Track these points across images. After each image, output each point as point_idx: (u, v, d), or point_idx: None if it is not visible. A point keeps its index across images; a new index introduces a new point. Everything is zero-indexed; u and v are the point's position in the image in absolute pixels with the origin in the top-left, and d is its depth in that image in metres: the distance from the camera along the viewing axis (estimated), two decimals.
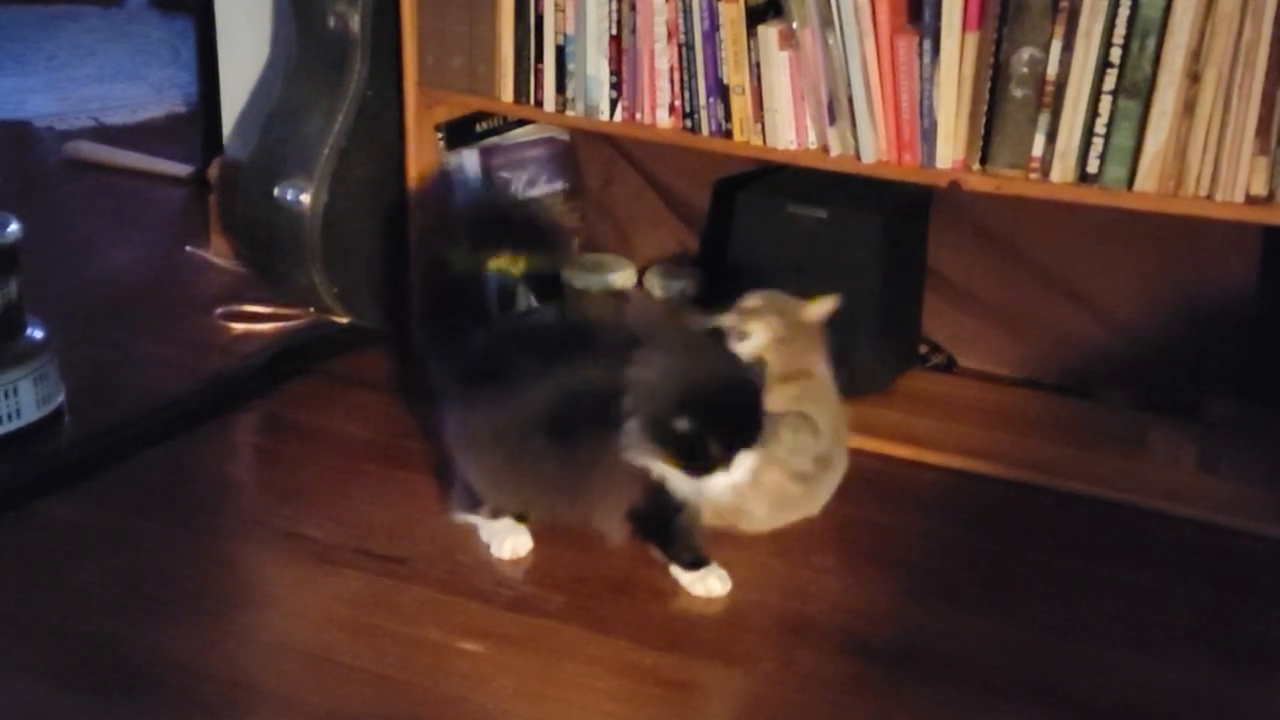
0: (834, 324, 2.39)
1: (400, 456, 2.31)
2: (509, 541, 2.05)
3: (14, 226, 2.29)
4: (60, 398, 2.37)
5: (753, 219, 2.44)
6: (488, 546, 2.05)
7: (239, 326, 2.68)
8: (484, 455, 2.00)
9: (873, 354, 2.41)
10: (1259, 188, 2.01)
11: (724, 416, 1.84)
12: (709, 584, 1.97)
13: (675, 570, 1.98)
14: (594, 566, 1.99)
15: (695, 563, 1.98)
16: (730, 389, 1.86)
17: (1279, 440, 2.22)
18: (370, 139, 2.54)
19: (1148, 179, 2.05)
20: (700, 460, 1.84)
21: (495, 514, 2.05)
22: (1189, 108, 2.01)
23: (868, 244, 2.36)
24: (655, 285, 2.59)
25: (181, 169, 3.41)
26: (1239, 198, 2.02)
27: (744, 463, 1.85)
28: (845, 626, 1.91)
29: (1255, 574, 2.03)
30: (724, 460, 1.84)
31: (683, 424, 1.82)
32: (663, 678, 1.82)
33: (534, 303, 2.47)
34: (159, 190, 3.40)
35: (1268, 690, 1.83)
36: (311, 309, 2.66)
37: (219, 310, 2.72)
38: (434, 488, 2.21)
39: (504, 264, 2.53)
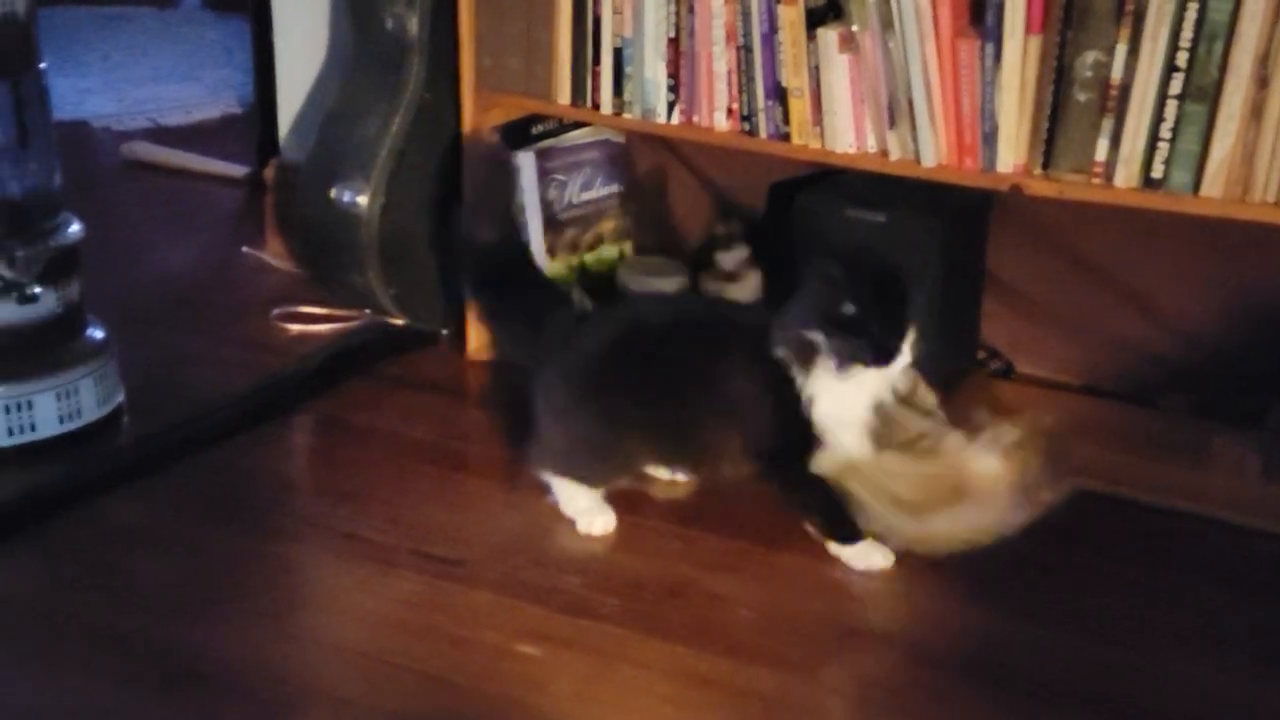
0: None
1: (456, 458, 2.31)
2: (599, 519, 2.07)
3: (75, 227, 2.31)
4: (120, 397, 2.38)
5: (812, 222, 2.43)
6: (573, 523, 2.08)
7: (295, 327, 2.69)
8: (582, 413, 2.04)
9: (931, 358, 2.39)
10: None
11: (887, 304, 1.89)
12: (871, 559, 1.98)
13: (832, 546, 2.00)
14: (650, 571, 1.98)
15: (850, 535, 1.98)
16: (889, 281, 1.92)
17: None
18: (427, 141, 2.55)
19: (1214, 185, 2.03)
20: (867, 341, 1.88)
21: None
22: (1256, 112, 1.99)
23: (926, 248, 2.35)
24: (710, 289, 2.58)
25: (237, 170, 3.42)
26: None
27: (901, 361, 1.90)
28: (904, 633, 1.90)
29: None
30: (889, 346, 1.89)
31: (849, 308, 1.88)
32: (720, 683, 1.81)
33: (588, 305, 2.47)
34: (215, 191, 3.42)
35: None
36: (367, 310, 2.66)
37: (275, 311, 2.73)
38: (490, 489, 2.21)
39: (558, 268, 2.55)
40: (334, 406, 2.45)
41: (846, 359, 1.90)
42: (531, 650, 1.85)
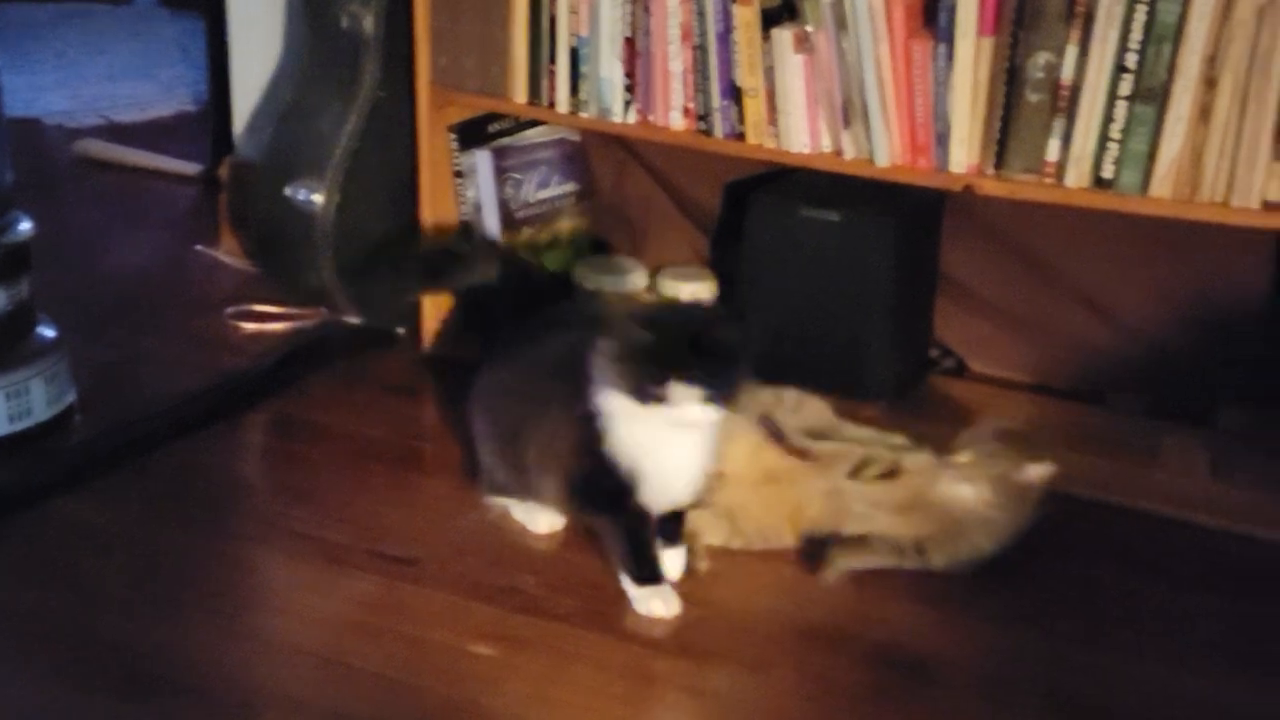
0: (845, 327, 2.40)
1: (413, 458, 2.31)
2: (540, 518, 2.06)
3: (25, 225, 2.29)
4: (71, 397, 2.36)
5: (766, 222, 2.44)
6: (522, 526, 2.07)
7: (250, 326, 2.68)
8: (482, 427, 2.05)
9: (884, 358, 2.41)
10: (1275, 193, 2.00)
11: (676, 343, 1.78)
12: (651, 605, 1.90)
13: (623, 581, 1.93)
14: (607, 570, 1.98)
15: (642, 576, 1.91)
16: (697, 323, 1.82)
17: None
18: (383, 139, 2.54)
19: (1163, 184, 2.05)
20: (644, 380, 1.79)
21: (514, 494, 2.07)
22: (1205, 113, 2.01)
23: (880, 247, 2.36)
24: (668, 288, 2.58)
25: (191, 168, 3.41)
26: (1255, 204, 2.01)
27: (687, 399, 1.78)
28: (861, 634, 1.90)
29: (1270, 582, 2.02)
30: (660, 384, 1.77)
31: (637, 334, 1.79)
32: (676, 683, 1.81)
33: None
34: (169, 189, 3.40)
35: None
36: (323, 309, 2.65)
37: (229, 310, 2.71)
38: (447, 489, 2.21)
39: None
40: (289, 405, 2.44)
41: (634, 395, 1.81)
42: (487, 650, 1.85)
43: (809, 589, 1.99)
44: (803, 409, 2.10)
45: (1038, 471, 1.96)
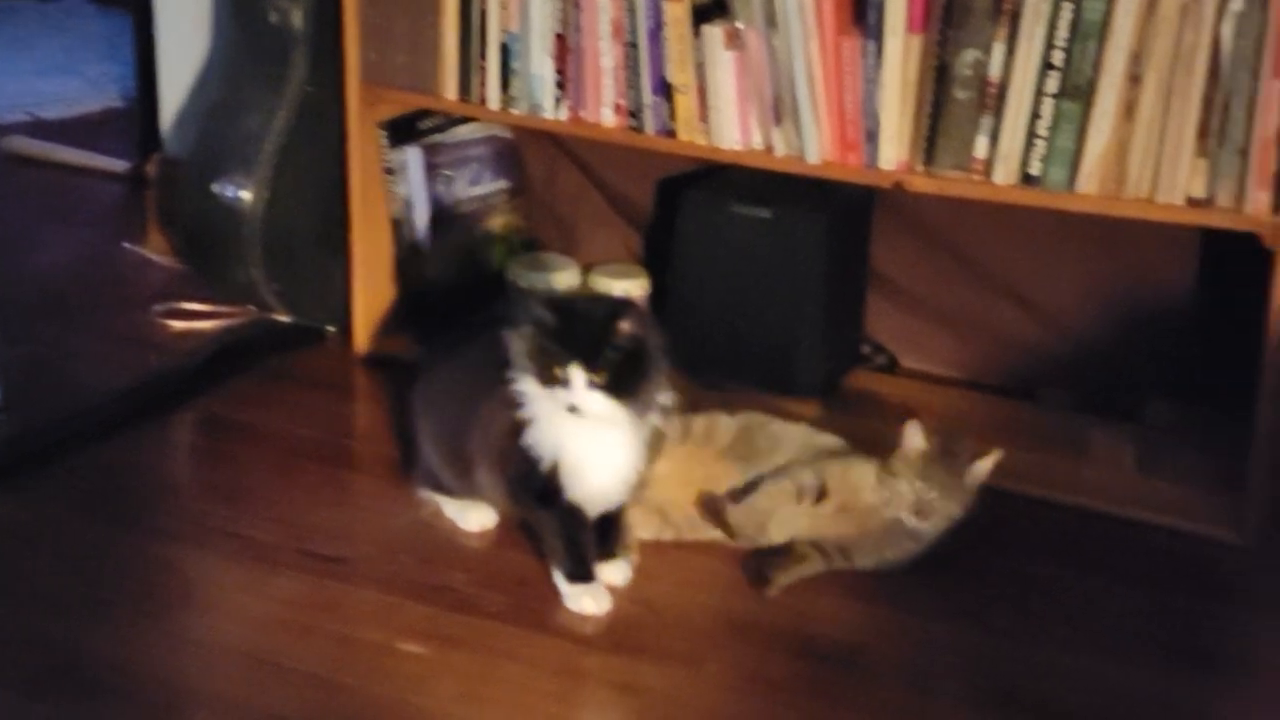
0: (776, 324, 2.41)
1: (342, 456, 2.29)
2: (471, 516, 2.06)
3: None
4: None
5: (697, 219, 2.44)
6: (453, 524, 2.07)
7: (178, 324, 2.65)
8: (423, 424, 2.05)
9: (815, 354, 2.42)
10: (1199, 190, 2.03)
11: (580, 328, 1.80)
12: (582, 602, 1.90)
13: (556, 577, 1.92)
14: (537, 567, 1.98)
15: (574, 574, 1.91)
16: (605, 312, 1.82)
17: (1218, 442, 2.24)
18: (312, 136, 2.52)
19: (1089, 181, 2.07)
20: (545, 360, 1.80)
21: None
22: (1130, 110, 2.03)
23: (811, 244, 2.37)
24: (601, 285, 2.58)
25: (119, 164, 3.36)
26: (1179, 200, 2.03)
27: (578, 382, 1.79)
28: (791, 628, 1.91)
29: (1197, 575, 2.05)
30: (561, 366, 1.79)
31: (545, 316, 1.80)
32: (606, 679, 1.81)
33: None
34: (96, 186, 3.35)
35: (1210, 691, 1.84)
36: (251, 307, 2.63)
37: (157, 307, 2.68)
38: (377, 488, 2.20)
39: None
40: (218, 404, 2.41)
41: (538, 376, 1.82)
42: (417, 649, 1.84)
43: (741, 584, 1.99)
44: (714, 434, 2.09)
45: (984, 466, 1.97)
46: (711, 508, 2.03)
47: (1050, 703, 1.79)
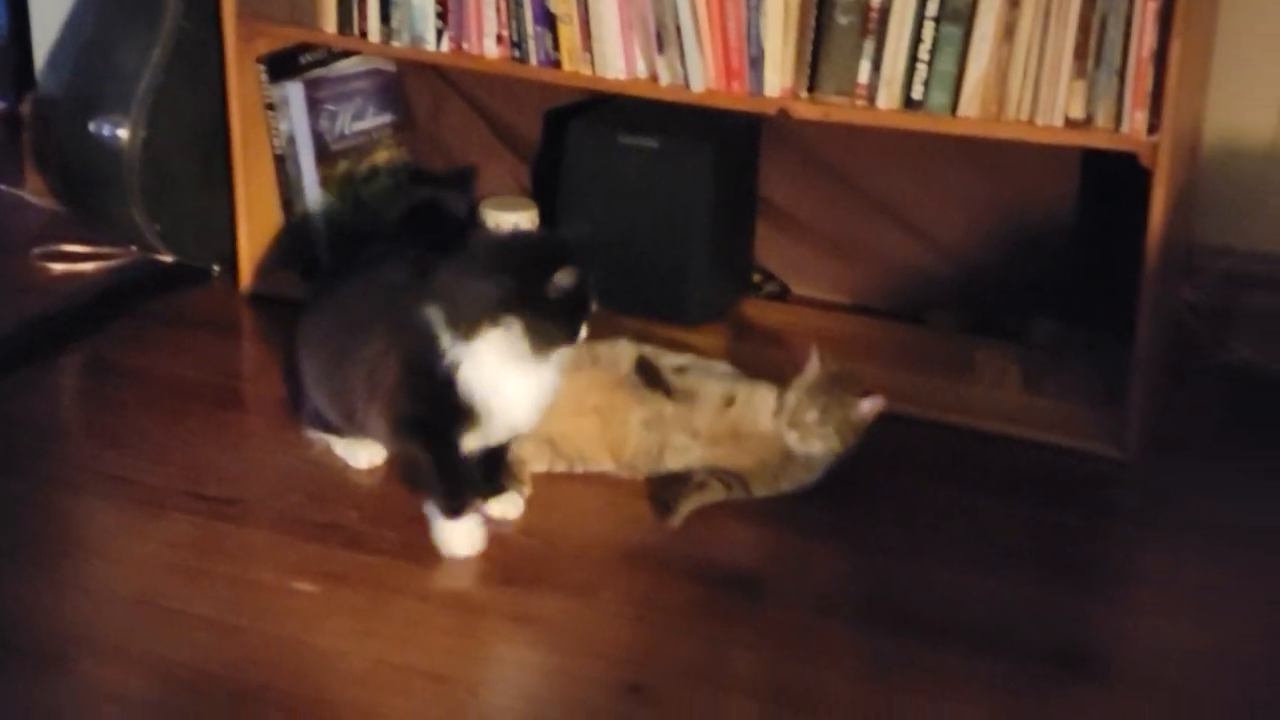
0: (666, 253, 2.41)
1: (229, 397, 2.27)
2: (363, 452, 2.04)
3: None
4: None
5: (584, 150, 2.43)
6: (344, 462, 2.05)
7: (58, 267, 2.60)
8: (307, 364, 2.02)
9: (705, 283, 2.42)
10: (1077, 111, 2.05)
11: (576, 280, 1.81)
12: (454, 544, 1.88)
13: (430, 514, 1.90)
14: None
15: (453, 507, 1.88)
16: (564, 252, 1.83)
17: (1100, 360, 2.28)
18: (190, 72, 2.48)
19: (971, 104, 2.08)
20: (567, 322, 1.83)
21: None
22: (1009, 32, 2.04)
23: (698, 173, 2.37)
24: (490, 218, 2.56)
25: None
26: (1058, 121, 2.05)
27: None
28: (685, 555, 1.92)
29: (1079, 490, 2.09)
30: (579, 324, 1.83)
31: (558, 289, 1.80)
32: (499, 611, 1.81)
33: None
34: None
35: (1095, 603, 1.88)
36: (134, 247, 2.59)
37: (36, 251, 2.63)
38: (266, 428, 2.18)
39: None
40: (101, 347, 2.38)
41: (545, 342, 1.82)
42: (309, 587, 1.84)
43: (633, 513, 2.00)
44: (618, 361, 2.08)
45: (871, 406, 1.99)
46: (647, 368, 2.03)
47: (938, 620, 1.82)
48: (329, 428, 2.05)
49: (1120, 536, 2.02)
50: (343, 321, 1.98)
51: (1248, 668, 1.75)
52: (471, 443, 1.89)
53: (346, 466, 2.06)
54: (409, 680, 1.69)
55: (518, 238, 2.03)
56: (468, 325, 1.81)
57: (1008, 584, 1.89)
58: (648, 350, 2.11)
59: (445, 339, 1.82)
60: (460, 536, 1.88)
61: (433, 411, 1.86)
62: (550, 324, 1.82)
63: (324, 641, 1.74)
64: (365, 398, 1.92)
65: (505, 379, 1.84)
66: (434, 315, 1.83)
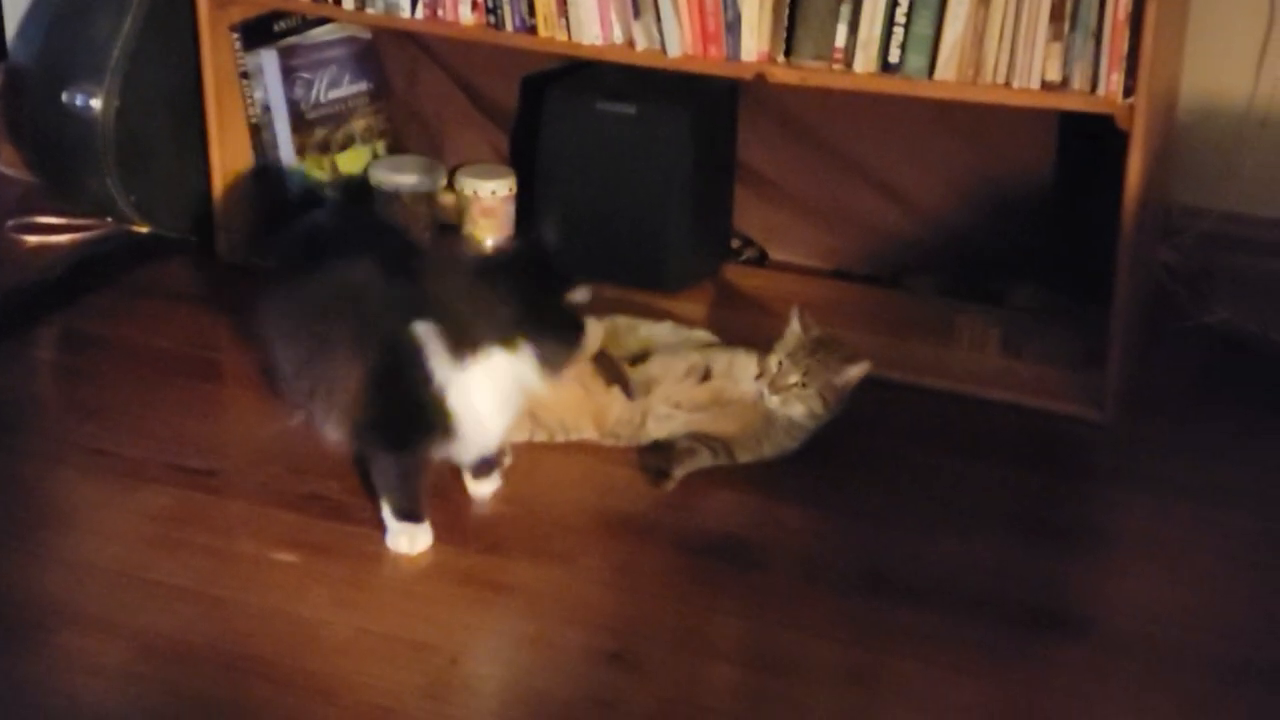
0: (644, 220, 2.40)
1: (207, 368, 2.26)
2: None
3: None
4: None
5: (561, 116, 2.42)
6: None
7: (33, 239, 2.59)
8: (277, 348, 1.93)
9: (684, 249, 2.42)
10: (1054, 73, 2.04)
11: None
12: (400, 541, 1.84)
13: (384, 511, 1.86)
14: None
15: (406, 513, 1.85)
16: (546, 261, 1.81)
17: (1079, 323, 2.28)
18: (163, 40, 2.46)
19: (947, 67, 2.07)
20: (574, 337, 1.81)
21: None
22: None
23: (676, 139, 2.36)
24: (468, 186, 2.55)
25: None
26: (1035, 84, 2.05)
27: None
28: (664, 521, 1.93)
29: (1059, 453, 2.09)
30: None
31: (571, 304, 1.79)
32: (482, 579, 1.81)
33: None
34: None
35: (1076, 564, 1.89)
36: (108, 218, 2.57)
37: (10, 223, 2.61)
38: (245, 400, 2.17)
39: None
40: (78, 319, 2.37)
41: (554, 363, 1.79)
42: (289, 558, 1.83)
43: (614, 480, 2.00)
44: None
45: (855, 371, 1.99)
46: (606, 364, 2.02)
47: (919, 582, 1.82)
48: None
49: (1100, 498, 2.03)
50: (309, 322, 1.87)
51: (1227, 626, 1.76)
52: (438, 454, 1.85)
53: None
54: (391, 649, 1.69)
55: (510, 254, 1.94)
56: (472, 347, 1.76)
57: (989, 546, 1.89)
58: (621, 322, 2.10)
59: (438, 359, 1.76)
60: (405, 538, 1.85)
61: (402, 424, 1.82)
62: (559, 344, 1.79)
63: (306, 611, 1.74)
64: (324, 399, 1.84)
65: (497, 401, 1.80)
66: (425, 333, 1.77)
